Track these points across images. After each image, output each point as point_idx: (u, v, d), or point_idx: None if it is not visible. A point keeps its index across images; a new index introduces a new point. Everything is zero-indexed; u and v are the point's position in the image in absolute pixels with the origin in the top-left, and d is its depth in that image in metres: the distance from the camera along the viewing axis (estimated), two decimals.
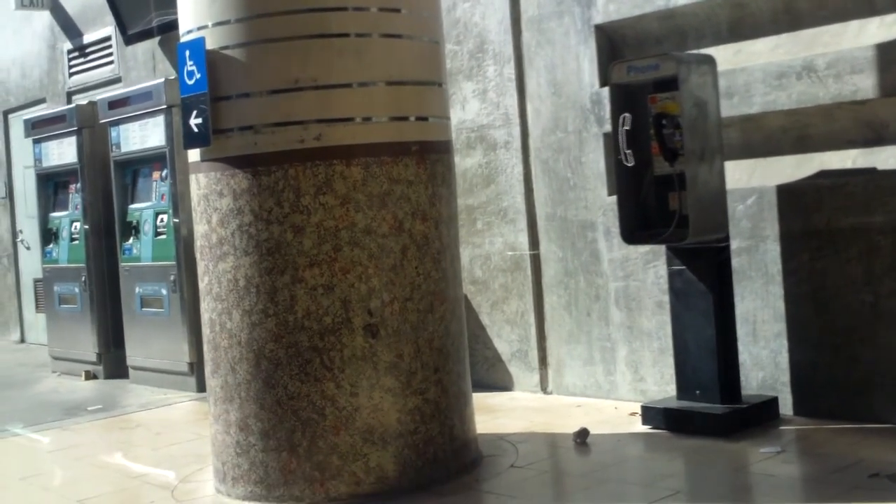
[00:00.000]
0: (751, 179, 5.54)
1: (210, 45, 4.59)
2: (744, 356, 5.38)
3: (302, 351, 4.45)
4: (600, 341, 6.19)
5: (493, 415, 5.95)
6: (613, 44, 6.26)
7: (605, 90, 5.93)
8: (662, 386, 5.81)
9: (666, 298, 5.56)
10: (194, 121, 4.62)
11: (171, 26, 8.59)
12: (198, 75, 4.60)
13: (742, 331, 5.37)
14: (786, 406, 5.32)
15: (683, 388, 5.33)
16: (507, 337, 6.71)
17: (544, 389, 6.53)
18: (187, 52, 4.65)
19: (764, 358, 5.40)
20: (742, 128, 5.62)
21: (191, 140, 4.68)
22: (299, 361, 4.45)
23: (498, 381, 6.73)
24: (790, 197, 5.30)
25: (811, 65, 5.26)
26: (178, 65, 4.79)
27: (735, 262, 5.35)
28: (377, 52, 4.66)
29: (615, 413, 5.81)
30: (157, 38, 9.29)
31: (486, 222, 6.79)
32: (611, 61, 5.88)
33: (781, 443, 4.90)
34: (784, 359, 5.32)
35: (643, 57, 5.57)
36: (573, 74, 6.31)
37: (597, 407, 6.01)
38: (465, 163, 6.79)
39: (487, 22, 6.76)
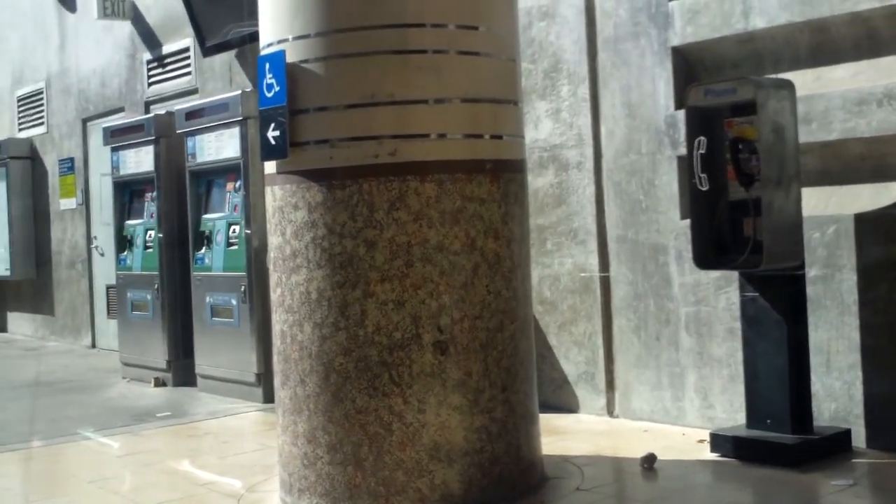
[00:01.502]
0: (827, 207, 5.46)
1: (290, 58, 4.64)
2: (816, 386, 5.30)
3: (371, 365, 4.46)
4: (669, 366, 6.13)
5: (558, 436, 5.92)
6: (690, 66, 6.21)
7: (681, 113, 5.89)
8: (731, 414, 5.73)
9: (737, 325, 5.49)
10: (272, 133, 4.66)
11: (249, 39, 8.71)
12: (277, 88, 4.65)
13: (815, 361, 5.29)
14: (859, 439, 5.22)
15: (754, 416, 5.26)
16: (575, 359, 6.67)
17: (610, 413, 6.48)
18: (267, 65, 4.70)
19: (837, 389, 5.31)
20: (820, 154, 5.54)
21: (268, 152, 4.73)
22: (368, 376, 4.47)
23: (564, 402, 6.69)
24: (868, 226, 5.21)
25: (892, 92, 5.18)
26: (256, 77, 4.84)
27: (810, 290, 5.27)
28: (454, 68, 4.68)
29: (683, 439, 5.74)
30: (234, 51, 9.41)
31: (556, 242, 6.76)
32: (687, 84, 5.84)
33: (853, 476, 4.81)
34: (858, 391, 5.23)
35: (720, 80, 5.53)
36: (648, 96, 6.27)
37: (664, 432, 5.95)
38: (536, 182, 6.78)
39: (562, 41, 6.75)
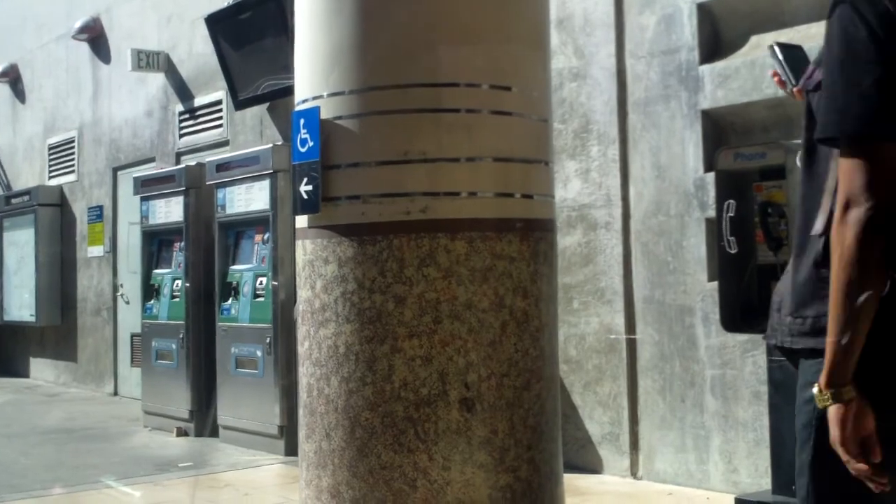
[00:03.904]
0: None
1: (324, 114, 4.68)
2: None
3: (397, 421, 4.45)
4: (694, 429, 6.10)
5: (581, 497, 5.88)
6: (719, 129, 6.25)
7: (709, 175, 5.91)
8: (756, 479, 5.69)
9: (763, 389, 5.46)
10: (304, 188, 4.70)
11: (280, 93, 8.81)
12: (311, 143, 4.69)
13: None
14: None
15: (779, 482, 5.20)
16: (599, 419, 6.65)
17: (634, 474, 6.44)
18: (302, 121, 4.75)
19: None
20: None
21: (301, 206, 4.76)
22: (394, 431, 4.45)
23: (587, 463, 6.66)
24: None
25: None
26: (287, 131, 4.90)
27: None
28: (486, 128, 4.70)
29: (707, 503, 5.70)
30: (265, 104, 9.52)
31: (583, 302, 6.77)
32: (716, 147, 5.87)
33: None
34: None
35: (750, 144, 5.55)
36: (677, 158, 6.31)
37: (688, 496, 5.91)
38: (564, 241, 6.80)
39: (593, 102, 6.81)
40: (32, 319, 13.67)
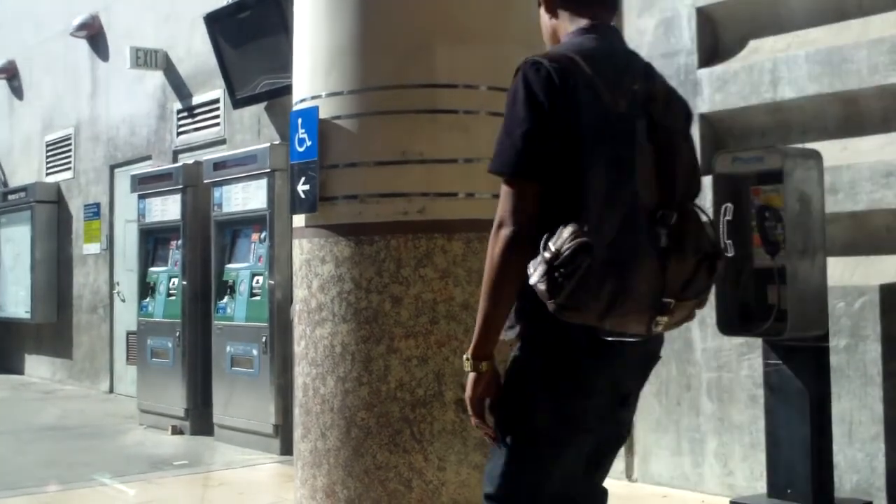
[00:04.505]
0: (853, 277, 5.46)
1: (322, 114, 4.69)
2: (838, 457, 5.26)
3: (393, 421, 4.46)
4: (689, 431, 6.11)
5: None
6: (717, 133, 6.26)
7: (707, 179, 5.91)
8: (752, 482, 5.69)
9: (759, 392, 5.47)
10: (302, 187, 4.70)
11: (278, 92, 8.81)
12: (309, 143, 4.69)
13: (837, 431, 5.25)
14: None
15: (774, 485, 5.21)
16: None
17: (629, 477, 6.44)
18: (300, 120, 4.76)
19: (859, 461, 5.27)
20: (846, 225, 5.56)
21: (298, 205, 4.76)
22: (389, 431, 4.46)
23: None
24: (893, 297, 5.21)
25: None
26: (284, 130, 4.90)
27: (833, 360, 5.25)
28: (484, 129, 4.69)
29: None
30: (263, 103, 9.51)
31: None
32: (714, 150, 5.87)
33: None
34: (880, 463, 5.19)
35: (748, 148, 5.56)
36: None
37: (683, 498, 5.91)
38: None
39: None
40: (28, 316, 13.66)
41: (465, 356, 2.69)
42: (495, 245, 2.61)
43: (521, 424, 2.68)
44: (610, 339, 2.52)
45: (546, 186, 2.57)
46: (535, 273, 2.46)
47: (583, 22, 2.79)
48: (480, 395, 2.67)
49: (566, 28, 2.84)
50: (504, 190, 2.61)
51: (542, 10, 2.98)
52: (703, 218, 2.76)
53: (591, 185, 2.49)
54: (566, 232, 2.45)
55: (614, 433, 2.86)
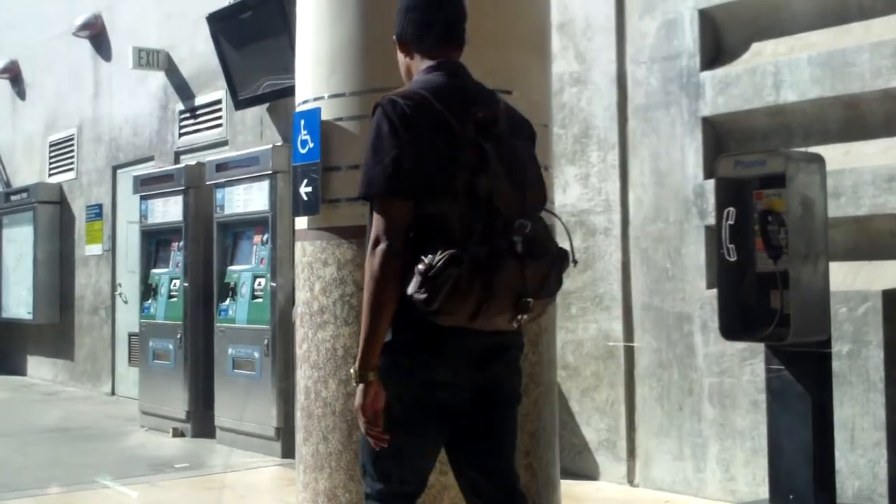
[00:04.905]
0: (855, 282, 5.45)
1: (325, 116, 4.68)
2: (840, 463, 5.25)
3: None
4: (691, 436, 6.10)
5: None
6: (719, 136, 6.25)
7: (709, 182, 5.91)
8: (754, 487, 5.68)
9: (761, 397, 5.46)
10: (304, 189, 4.69)
11: (281, 94, 8.80)
12: (311, 145, 4.68)
13: (839, 437, 5.24)
14: None
15: (776, 491, 5.20)
16: (596, 425, 6.64)
17: (631, 482, 6.43)
18: (303, 122, 4.75)
19: (861, 466, 5.26)
20: (848, 229, 5.55)
21: (300, 208, 4.75)
22: None
23: (584, 469, 6.65)
24: None
25: None
26: (287, 131, 4.88)
27: (835, 365, 5.24)
28: None
29: None
30: (265, 105, 9.51)
31: (581, 308, 6.77)
32: (716, 154, 5.87)
33: None
34: (882, 469, 5.18)
35: (751, 152, 5.54)
36: (677, 165, 6.30)
37: None
38: (562, 246, 6.78)
39: (593, 108, 6.80)
40: (30, 317, 13.65)
41: (351, 369, 3.00)
42: (373, 261, 2.91)
43: (392, 417, 2.96)
44: (452, 335, 2.89)
45: (415, 207, 2.92)
46: (412, 284, 2.82)
47: (432, 61, 3.18)
48: (373, 402, 2.93)
49: (418, 66, 3.22)
50: (377, 210, 2.96)
51: (398, 51, 3.32)
52: (550, 223, 3.20)
53: (454, 205, 2.87)
54: (437, 246, 2.82)
55: (485, 423, 3.14)
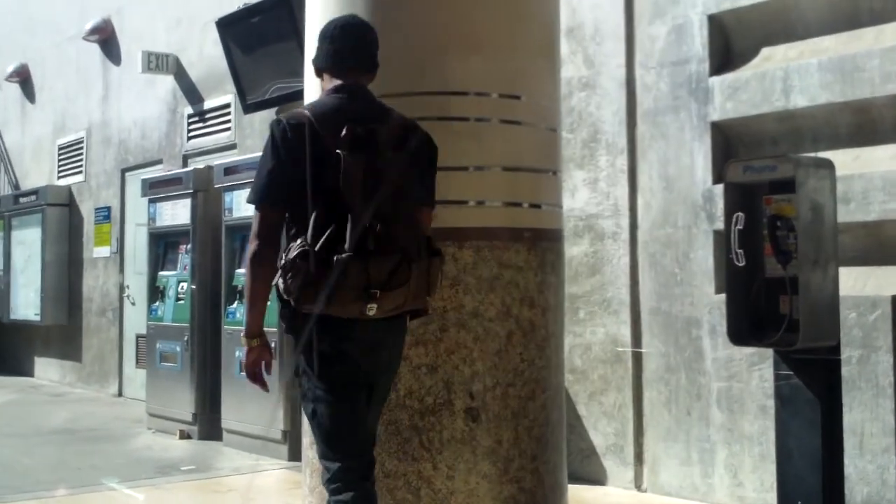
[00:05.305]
0: (865, 288, 5.44)
1: None
2: (849, 469, 5.23)
3: (402, 429, 4.44)
4: (699, 441, 6.08)
5: None
6: (728, 141, 6.24)
7: (718, 187, 5.90)
8: (762, 493, 5.67)
9: (770, 403, 5.44)
10: None
11: (290, 98, 8.80)
12: None
13: (848, 443, 5.22)
14: None
15: (785, 496, 5.17)
16: (604, 430, 6.63)
17: (638, 487, 6.42)
18: None
19: (870, 473, 5.24)
20: (858, 234, 5.53)
21: None
22: (398, 440, 4.45)
23: (591, 473, 6.64)
24: None
25: None
26: None
27: (845, 371, 5.22)
28: (495, 137, 4.70)
29: None
30: (274, 108, 9.51)
31: (589, 312, 6.76)
32: (725, 158, 5.85)
33: None
34: (892, 475, 5.16)
35: (760, 157, 5.52)
36: (686, 170, 6.29)
37: None
38: (571, 251, 6.78)
39: (602, 112, 6.80)
40: (38, 318, 13.67)
41: (241, 335, 3.78)
42: (249, 256, 3.55)
43: (318, 387, 3.59)
44: (334, 319, 3.41)
45: (288, 212, 3.50)
46: (277, 277, 3.43)
47: (336, 83, 3.70)
48: (253, 362, 3.69)
49: (325, 87, 3.76)
50: (255, 215, 3.54)
51: (314, 73, 3.86)
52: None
53: (313, 209, 3.39)
54: (294, 245, 3.37)
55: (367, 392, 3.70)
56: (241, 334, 3.73)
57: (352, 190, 3.40)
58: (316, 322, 3.41)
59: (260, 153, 3.69)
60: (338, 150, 3.41)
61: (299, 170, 3.44)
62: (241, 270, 8.44)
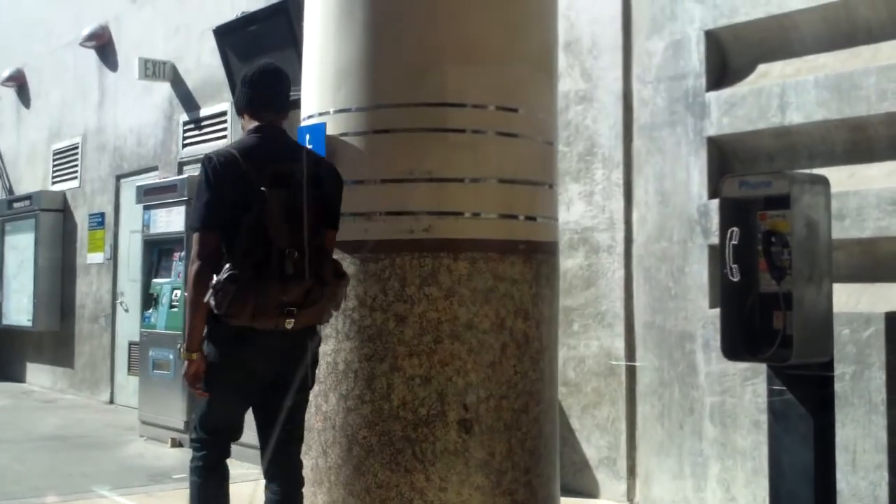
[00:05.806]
0: (858, 304, 5.45)
1: (330, 130, 4.69)
2: (841, 485, 5.23)
3: (395, 440, 4.44)
4: (692, 455, 6.08)
5: None
6: (724, 156, 6.25)
7: (713, 202, 5.91)
8: None
9: (762, 418, 5.45)
10: None
11: None
12: None
13: (841, 459, 5.23)
14: None
15: None
16: (597, 443, 6.63)
17: (630, 500, 6.41)
18: (308, 136, 4.76)
19: (862, 489, 5.25)
20: (852, 251, 5.54)
21: None
22: (391, 451, 4.44)
23: (584, 486, 6.63)
24: None
25: None
26: None
27: (837, 387, 5.22)
28: (492, 149, 4.71)
29: None
30: None
31: (583, 325, 6.76)
32: (721, 173, 5.87)
33: None
34: (884, 492, 5.16)
35: (756, 173, 5.54)
36: (682, 184, 6.30)
37: None
38: (566, 264, 6.79)
39: (599, 126, 6.81)
40: (30, 324, 13.65)
41: (180, 348, 4.27)
42: (191, 275, 4.01)
43: (208, 383, 4.13)
44: (252, 330, 3.96)
45: (222, 237, 3.97)
46: (209, 294, 3.88)
47: (255, 123, 4.25)
48: (194, 374, 4.09)
49: (246, 127, 4.31)
50: (194, 239, 4.03)
51: (236, 113, 4.42)
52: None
53: (240, 237, 3.92)
54: (224, 268, 3.89)
55: (276, 400, 4.27)
56: (182, 347, 4.11)
57: (274, 222, 3.93)
58: (235, 332, 3.98)
59: None
60: (262, 188, 3.95)
61: (229, 201, 3.97)
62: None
